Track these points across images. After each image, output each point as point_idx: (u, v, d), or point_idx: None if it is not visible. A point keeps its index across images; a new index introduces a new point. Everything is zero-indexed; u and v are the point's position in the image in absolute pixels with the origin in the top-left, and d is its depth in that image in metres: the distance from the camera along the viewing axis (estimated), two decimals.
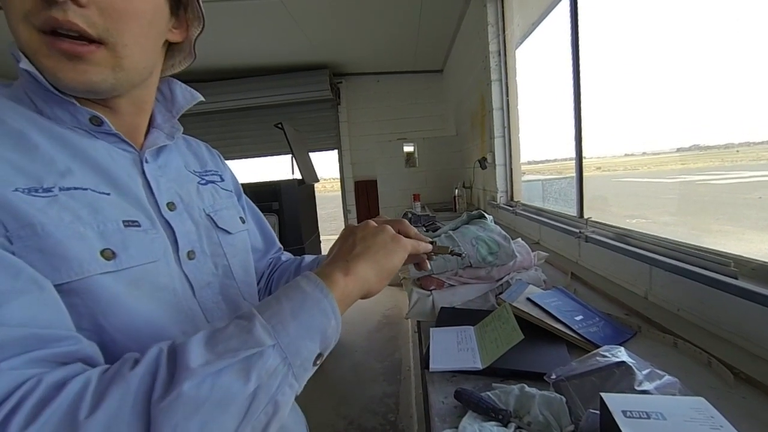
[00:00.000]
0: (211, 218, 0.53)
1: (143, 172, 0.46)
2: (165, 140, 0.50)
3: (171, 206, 0.46)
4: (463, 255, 0.51)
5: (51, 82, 0.38)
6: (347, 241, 0.46)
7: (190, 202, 0.50)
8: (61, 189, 0.36)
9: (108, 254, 0.37)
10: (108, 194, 0.40)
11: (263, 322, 0.32)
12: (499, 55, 2.42)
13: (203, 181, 0.56)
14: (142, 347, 0.34)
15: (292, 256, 0.76)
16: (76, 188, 0.37)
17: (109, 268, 0.37)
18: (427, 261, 0.57)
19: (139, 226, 0.41)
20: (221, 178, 0.61)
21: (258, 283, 0.66)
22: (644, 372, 0.57)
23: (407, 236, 0.56)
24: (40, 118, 0.39)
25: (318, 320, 0.35)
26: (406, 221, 0.59)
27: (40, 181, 0.35)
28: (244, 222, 0.61)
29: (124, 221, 0.39)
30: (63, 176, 0.37)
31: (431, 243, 0.56)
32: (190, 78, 4.30)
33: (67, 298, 0.34)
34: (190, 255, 0.46)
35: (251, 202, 0.73)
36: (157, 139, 0.49)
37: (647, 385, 0.54)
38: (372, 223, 0.49)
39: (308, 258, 0.70)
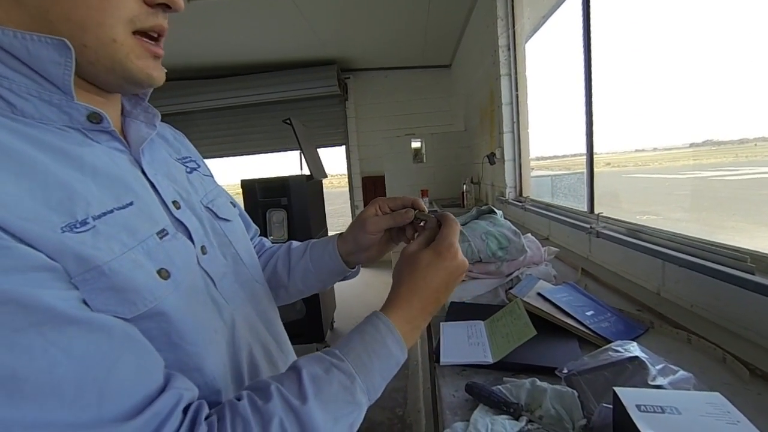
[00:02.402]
0: (211, 210, 0.52)
1: (143, 173, 0.43)
2: (148, 131, 0.46)
3: (176, 205, 0.45)
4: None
5: (142, 81, 0.39)
6: (438, 279, 0.46)
7: (188, 197, 0.48)
8: (94, 218, 0.34)
9: (164, 274, 0.37)
10: (130, 204, 0.38)
11: (362, 386, 0.39)
12: (509, 49, 2.40)
13: (188, 170, 0.54)
14: (210, 353, 0.40)
15: (268, 241, 0.76)
16: (104, 213, 0.35)
17: (170, 287, 0.37)
18: (413, 231, 0.59)
19: (167, 234, 0.40)
20: (197, 163, 0.58)
21: None
22: (658, 367, 0.56)
23: (416, 203, 0.58)
24: (21, 122, 0.34)
25: (394, 372, 0.43)
26: (417, 199, 0.59)
27: (71, 213, 0.32)
28: (234, 206, 0.60)
29: (157, 233, 0.39)
30: (87, 201, 0.34)
31: (417, 211, 0.57)
32: (198, 75, 4.33)
33: (140, 325, 0.34)
34: (203, 250, 0.46)
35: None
36: (141, 131, 0.45)
37: (661, 380, 0.54)
38: (465, 267, 0.48)
39: (295, 243, 0.69)
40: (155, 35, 0.40)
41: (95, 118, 0.38)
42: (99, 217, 0.34)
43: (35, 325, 0.27)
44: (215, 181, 0.60)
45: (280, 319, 0.61)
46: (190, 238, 0.44)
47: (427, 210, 0.58)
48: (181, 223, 0.44)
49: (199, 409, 0.34)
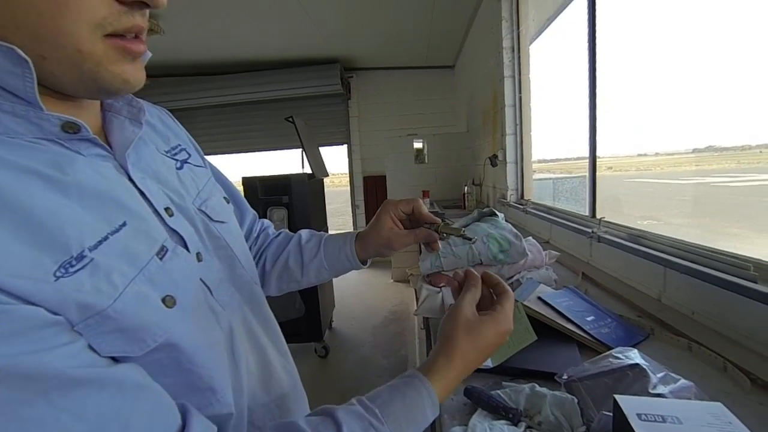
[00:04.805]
0: (204, 212, 0.48)
1: (130, 179, 0.38)
2: (134, 129, 0.41)
3: (169, 212, 0.41)
4: (474, 239, 0.52)
5: (118, 89, 0.34)
6: (490, 351, 0.47)
7: (180, 201, 0.44)
8: (90, 249, 0.30)
9: (170, 302, 0.35)
10: (124, 224, 0.34)
11: None
12: (513, 51, 2.39)
13: (178, 164, 0.48)
14: (219, 370, 0.39)
15: (272, 225, 0.73)
16: (99, 242, 0.31)
17: (177, 315, 0.35)
18: (438, 242, 0.59)
19: (167, 251, 0.37)
20: (187, 153, 0.52)
21: None
22: (658, 375, 0.56)
23: (420, 213, 0.59)
24: None
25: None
26: (420, 200, 0.59)
27: (65, 249, 0.29)
28: (228, 202, 0.57)
29: (156, 254, 0.35)
30: (80, 230, 0.30)
31: (440, 223, 0.58)
32: (200, 71, 4.33)
33: (149, 357, 0.33)
34: (199, 257, 0.43)
35: (209, 161, 0.64)
36: (125, 131, 0.40)
37: (662, 389, 0.53)
38: (509, 326, 0.48)
39: (305, 235, 0.68)
40: (132, 35, 0.34)
41: (71, 128, 0.33)
42: (95, 247, 0.30)
43: (42, 394, 0.25)
44: (208, 171, 0.56)
45: (275, 318, 0.59)
46: (185, 247, 0.41)
47: (426, 212, 0.59)
48: (175, 231, 0.41)
49: None
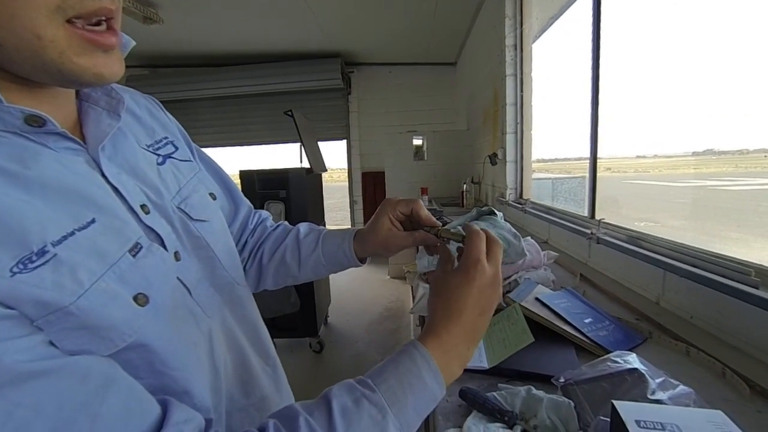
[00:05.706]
0: (183, 210, 0.46)
1: (102, 174, 0.36)
2: (110, 122, 0.39)
3: (145, 209, 0.39)
4: None
5: (89, 82, 0.32)
6: (471, 300, 0.42)
7: (158, 198, 0.42)
8: (53, 244, 0.29)
9: (141, 300, 0.33)
10: (92, 221, 0.32)
11: (395, 422, 0.36)
12: (516, 49, 2.37)
13: (161, 160, 0.46)
14: (195, 374, 0.38)
15: (269, 217, 0.71)
16: (64, 237, 0.30)
17: (150, 314, 0.34)
18: (438, 245, 0.56)
19: (141, 248, 0.35)
20: (174, 146, 0.50)
21: (240, 254, 0.62)
22: (657, 380, 0.55)
23: (418, 216, 0.56)
24: None
25: (430, 408, 0.40)
26: (420, 201, 0.57)
27: (24, 244, 0.27)
28: (215, 198, 0.54)
29: (129, 251, 0.34)
30: (42, 225, 0.29)
31: (440, 227, 0.55)
32: (201, 62, 4.29)
33: (120, 356, 0.32)
34: (177, 256, 0.41)
35: (204, 153, 0.60)
36: (101, 123, 0.39)
37: (661, 395, 0.52)
38: (498, 281, 0.44)
39: (303, 229, 0.65)
40: (101, 19, 0.31)
41: (36, 122, 0.31)
42: (59, 242, 0.29)
43: None
44: (195, 165, 0.53)
45: (261, 319, 0.58)
46: (163, 245, 0.40)
47: (425, 214, 0.56)
48: (152, 229, 0.39)
49: None
